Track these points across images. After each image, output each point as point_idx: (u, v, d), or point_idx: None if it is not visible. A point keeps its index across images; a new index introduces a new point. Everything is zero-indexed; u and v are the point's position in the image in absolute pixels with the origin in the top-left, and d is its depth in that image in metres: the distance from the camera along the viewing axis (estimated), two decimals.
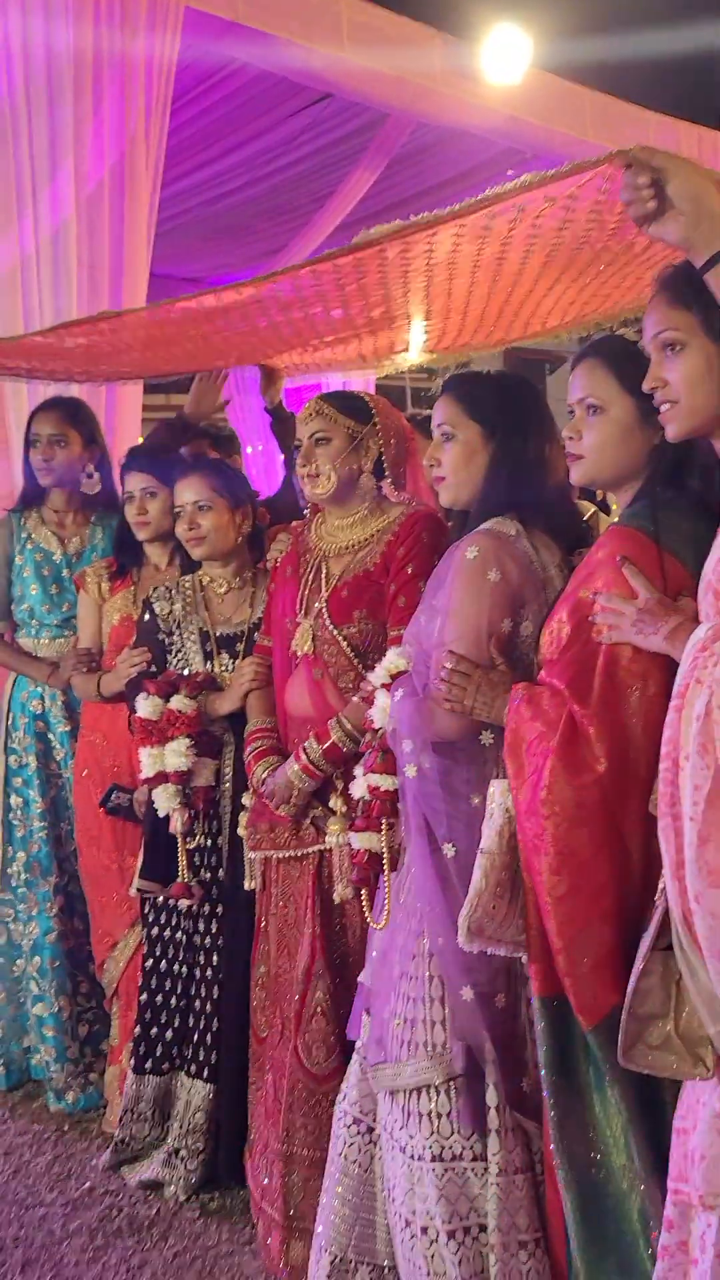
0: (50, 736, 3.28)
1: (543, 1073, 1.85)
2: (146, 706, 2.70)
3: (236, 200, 6.28)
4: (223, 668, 2.76)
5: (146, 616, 2.86)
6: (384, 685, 2.18)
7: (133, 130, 4.45)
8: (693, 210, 1.55)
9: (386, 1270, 2.15)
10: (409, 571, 2.37)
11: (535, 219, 2.04)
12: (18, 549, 3.28)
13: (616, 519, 1.97)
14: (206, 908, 2.76)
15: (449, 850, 2.01)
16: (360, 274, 2.34)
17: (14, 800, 3.27)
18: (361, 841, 2.23)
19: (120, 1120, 2.84)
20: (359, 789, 2.23)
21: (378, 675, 2.21)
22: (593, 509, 3.14)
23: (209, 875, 2.75)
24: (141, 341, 3.08)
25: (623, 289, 2.65)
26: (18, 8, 3.86)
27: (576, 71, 5.46)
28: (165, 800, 2.68)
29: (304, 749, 2.41)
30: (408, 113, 5.08)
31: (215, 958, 2.76)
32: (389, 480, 2.50)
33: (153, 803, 2.71)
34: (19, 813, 3.26)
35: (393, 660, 2.20)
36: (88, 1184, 2.80)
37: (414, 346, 3.36)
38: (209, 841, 2.75)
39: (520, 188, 1.77)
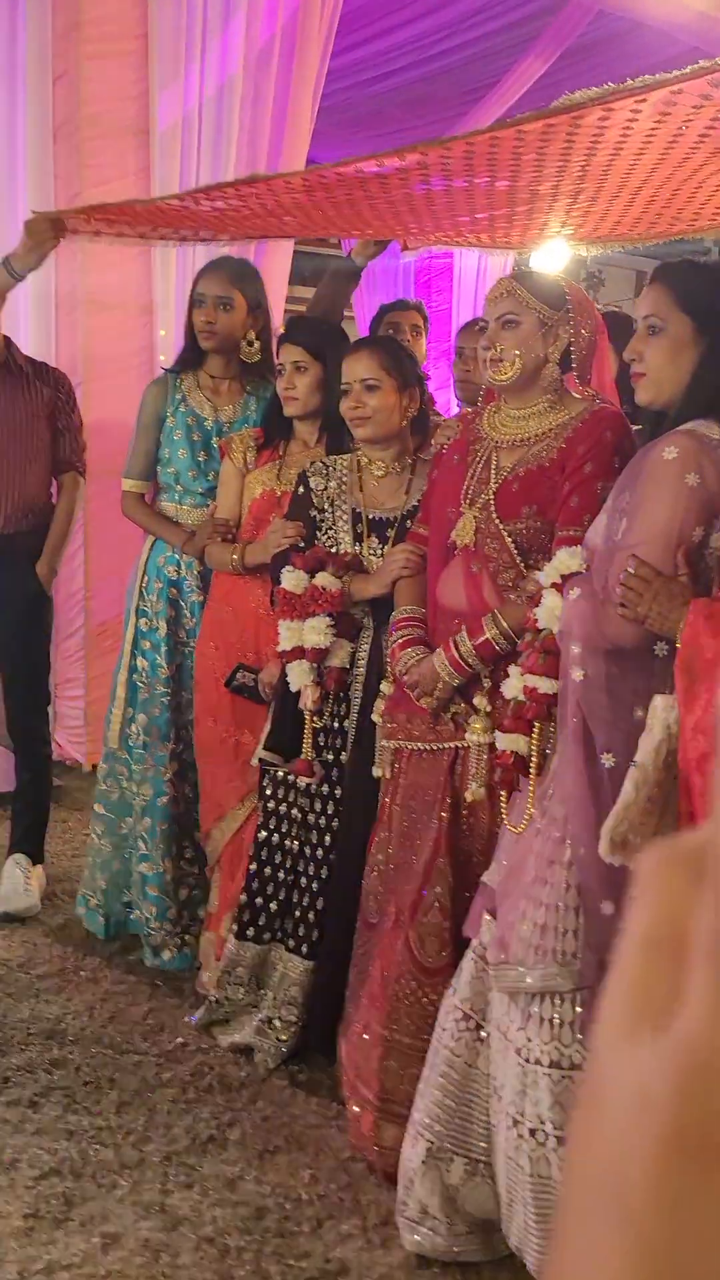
0: (182, 604, 3.25)
1: None
2: (291, 579, 2.66)
3: (395, 83, 6.04)
4: (370, 551, 2.70)
5: (301, 490, 2.80)
6: (554, 585, 2.11)
7: None
8: None
9: (481, 1164, 2.16)
10: (587, 470, 2.28)
11: None
12: (170, 410, 3.22)
13: None
14: (325, 789, 2.75)
15: (607, 760, 1.95)
16: (543, 142, 2.21)
17: (140, 663, 3.27)
18: (507, 743, 2.19)
19: (217, 982, 2.88)
20: (513, 689, 2.18)
21: (547, 575, 2.14)
22: None
23: (331, 757, 2.74)
24: (282, 208, 2.97)
25: None
26: None
27: None
28: (299, 675, 2.65)
29: (454, 642, 2.35)
30: None
31: (327, 839, 2.76)
32: (574, 373, 2.39)
33: (285, 676, 2.69)
34: (144, 675, 3.26)
35: (564, 560, 2.12)
36: (180, 1039, 2.85)
37: (568, 229, 3.20)
38: (336, 724, 2.73)
39: None
